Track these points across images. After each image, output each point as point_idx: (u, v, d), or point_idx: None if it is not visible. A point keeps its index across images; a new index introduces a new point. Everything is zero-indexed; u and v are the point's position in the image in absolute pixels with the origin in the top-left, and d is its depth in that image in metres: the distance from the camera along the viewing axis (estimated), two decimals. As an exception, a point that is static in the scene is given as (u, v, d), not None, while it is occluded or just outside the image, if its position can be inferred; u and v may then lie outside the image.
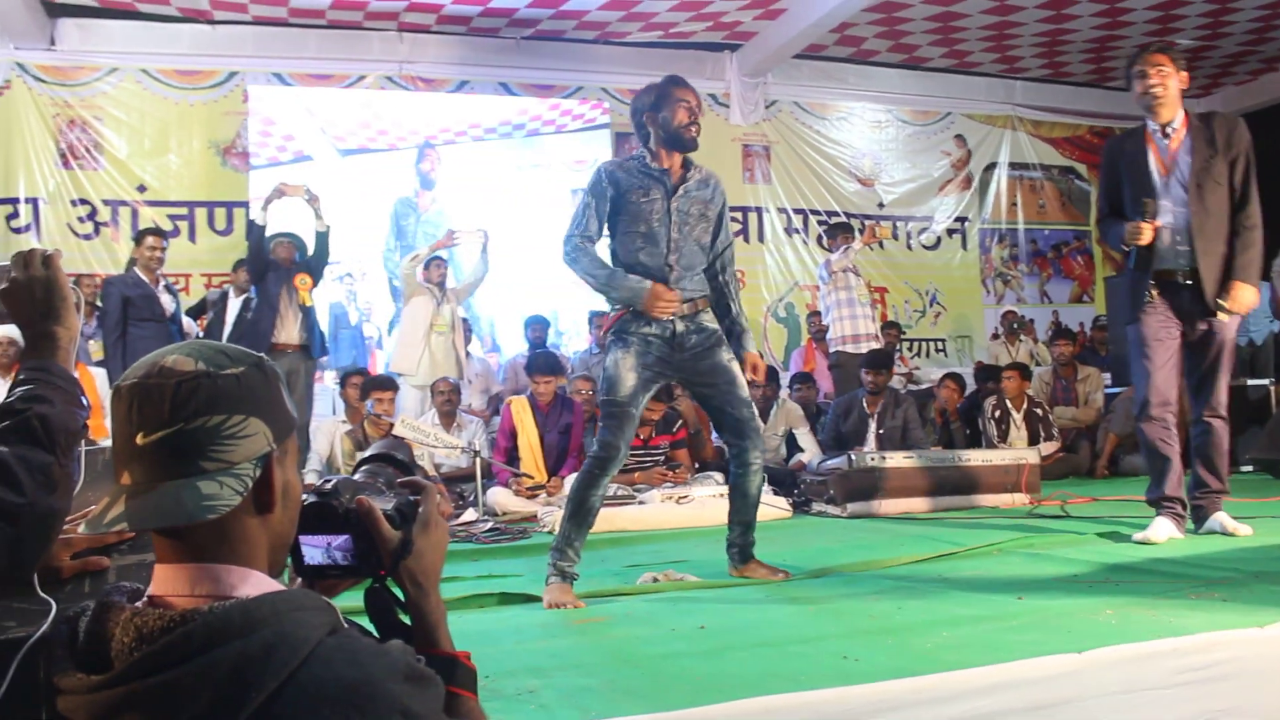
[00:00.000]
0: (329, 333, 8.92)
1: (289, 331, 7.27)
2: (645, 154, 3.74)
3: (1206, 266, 4.24)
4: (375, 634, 1.29)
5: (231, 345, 1.21)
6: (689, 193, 3.73)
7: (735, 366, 3.74)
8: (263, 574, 1.15)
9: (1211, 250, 4.25)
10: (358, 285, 9.78)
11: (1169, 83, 4.30)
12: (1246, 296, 4.18)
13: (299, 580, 1.33)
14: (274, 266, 7.31)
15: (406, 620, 1.33)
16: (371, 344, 9.76)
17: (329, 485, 1.33)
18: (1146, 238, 4.24)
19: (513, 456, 6.93)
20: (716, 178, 3.89)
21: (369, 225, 9.78)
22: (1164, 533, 4.21)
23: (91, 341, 7.73)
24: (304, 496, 1.29)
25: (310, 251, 7.50)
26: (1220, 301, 4.20)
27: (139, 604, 1.10)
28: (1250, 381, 8.79)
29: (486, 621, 3.26)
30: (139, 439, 1.11)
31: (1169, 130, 4.34)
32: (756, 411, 3.81)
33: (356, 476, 1.40)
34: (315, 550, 1.30)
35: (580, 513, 3.61)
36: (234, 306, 7.74)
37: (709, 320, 3.76)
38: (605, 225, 3.73)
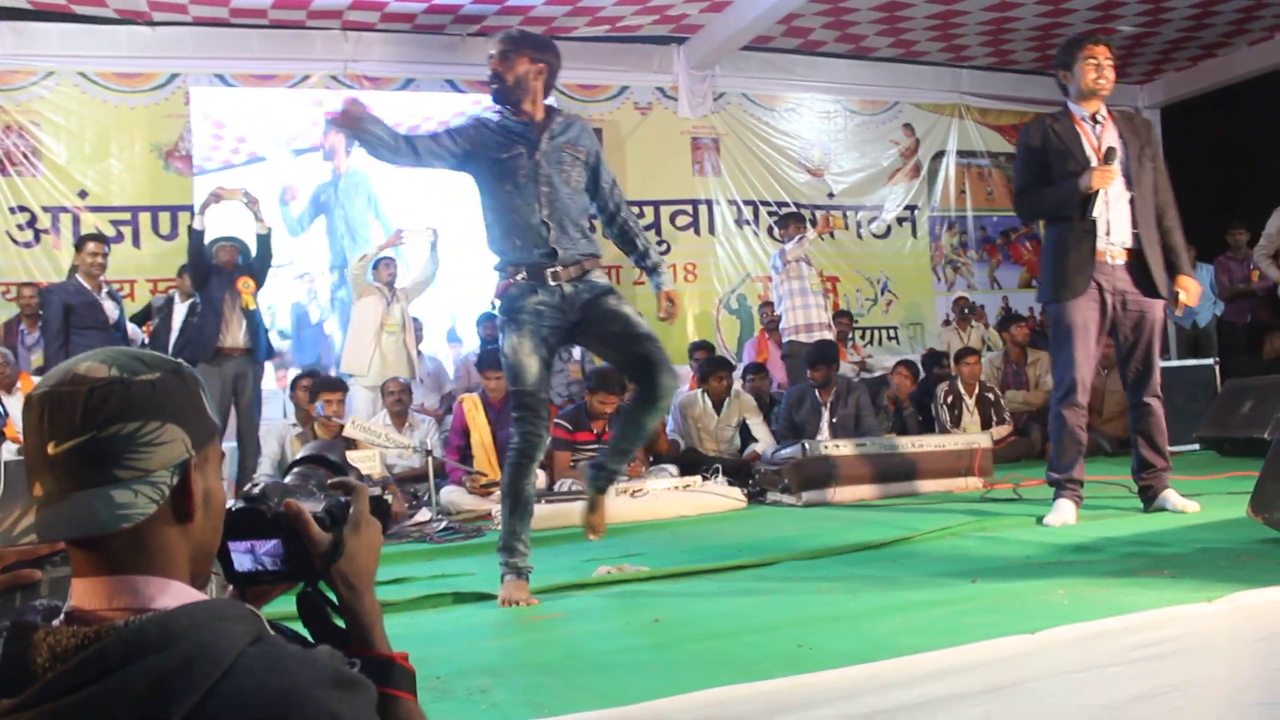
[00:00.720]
0: (292, 332, 8.83)
1: (234, 335, 7.17)
2: (505, 110, 3.62)
3: (1150, 250, 4.36)
4: (309, 639, 1.26)
5: (148, 351, 1.18)
6: (555, 138, 3.57)
7: (626, 308, 3.59)
8: (183, 584, 1.11)
9: (1150, 237, 4.38)
10: (318, 284, 9.65)
11: (1112, 74, 4.43)
12: (1196, 287, 4.46)
13: (230, 588, 1.30)
14: (216, 271, 7.21)
15: (341, 623, 1.30)
16: (334, 342, 9.64)
17: (256, 489, 1.30)
18: (1109, 177, 4.25)
19: (466, 454, 6.88)
20: (582, 120, 3.78)
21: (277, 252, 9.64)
22: (1070, 515, 4.34)
23: (34, 352, 7.59)
24: (231, 502, 1.25)
25: (253, 254, 7.40)
26: (1177, 292, 4.39)
27: (55, 622, 1.06)
28: (1195, 362, 8.91)
29: (439, 621, 3.23)
30: (50, 448, 1.08)
31: (1099, 118, 4.45)
32: (660, 346, 3.59)
33: (287, 479, 1.37)
34: (244, 556, 1.27)
35: (519, 506, 3.50)
36: (180, 311, 7.62)
37: (598, 277, 3.61)
38: (458, 164, 3.57)
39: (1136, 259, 4.36)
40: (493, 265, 3.66)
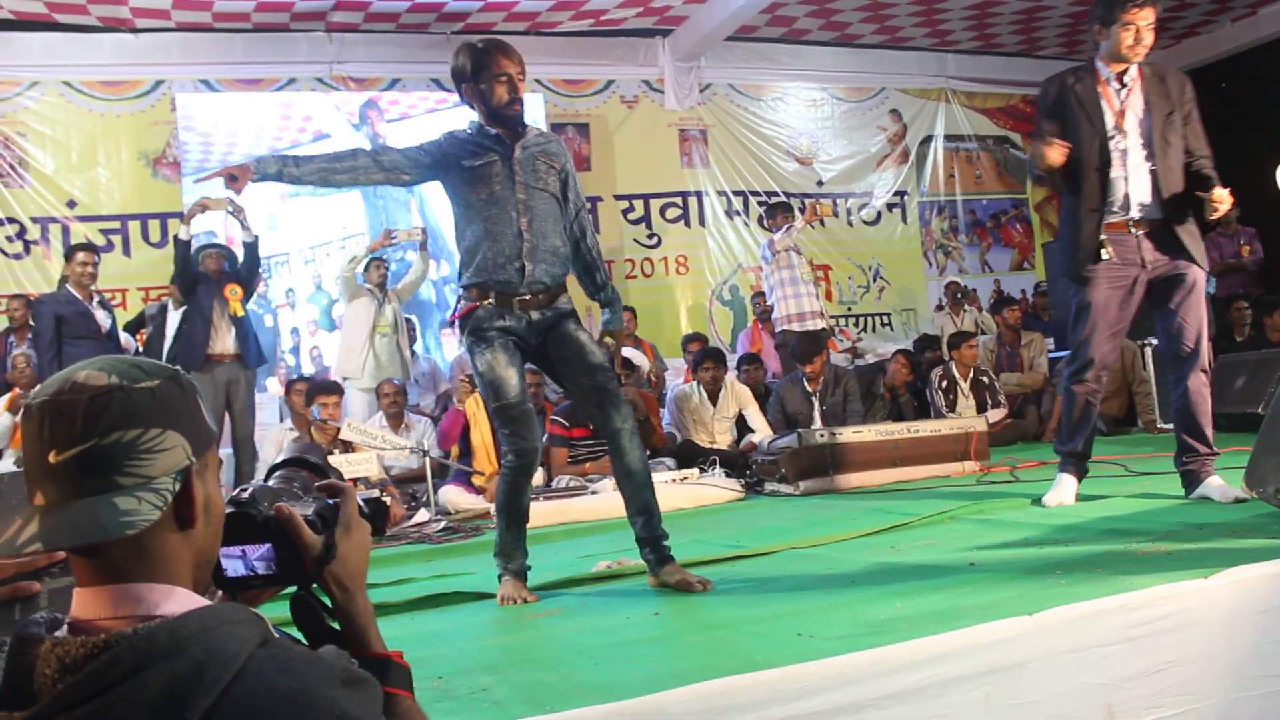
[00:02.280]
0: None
1: (224, 342, 7.15)
2: (478, 123, 3.50)
3: (1178, 220, 4.05)
4: (304, 642, 1.27)
5: (145, 359, 1.18)
6: (528, 147, 3.46)
7: (583, 336, 3.47)
8: (188, 591, 1.12)
9: (1176, 203, 4.04)
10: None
11: (1151, 39, 4.03)
12: (1226, 196, 3.97)
13: (219, 593, 1.30)
14: (204, 278, 7.20)
15: (335, 625, 1.31)
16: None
17: (245, 494, 1.30)
18: (1058, 156, 3.99)
19: (466, 451, 6.89)
20: (555, 136, 3.71)
21: (323, 221, 9.67)
22: (1068, 494, 4.22)
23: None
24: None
25: (240, 261, 7.39)
26: (1211, 200, 3.95)
27: (59, 633, 1.06)
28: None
29: (441, 621, 3.24)
30: (51, 457, 1.08)
31: (1126, 79, 4.10)
32: (614, 377, 3.50)
33: (271, 483, 1.37)
34: (235, 561, 1.27)
35: (515, 519, 3.43)
36: (174, 319, 7.60)
37: (563, 302, 3.50)
38: (422, 176, 3.48)
39: (1164, 229, 4.05)
40: (459, 281, 3.54)
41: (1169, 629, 2.37)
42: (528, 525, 3.51)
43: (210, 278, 7.21)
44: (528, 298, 3.41)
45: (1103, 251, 4.04)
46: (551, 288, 3.46)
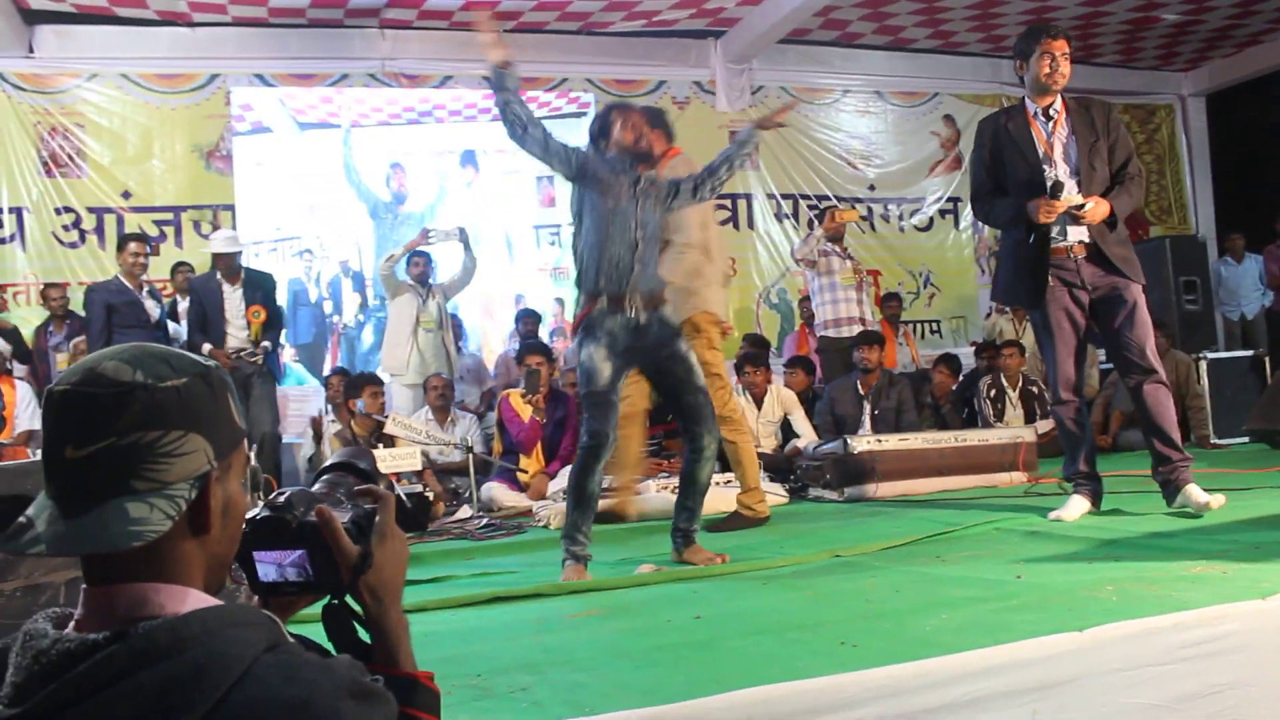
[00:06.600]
0: (288, 309, 8.92)
1: (238, 338, 7.17)
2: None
3: (1106, 242, 4.26)
4: (332, 650, 1.23)
5: (175, 352, 1.11)
6: (643, 180, 4.03)
7: (693, 357, 4.05)
8: (200, 593, 1.07)
9: (1104, 232, 4.26)
10: (316, 262, 9.72)
11: (1068, 68, 4.31)
12: (1102, 210, 4.19)
13: (255, 598, 1.26)
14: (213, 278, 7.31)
15: (366, 638, 1.27)
16: (334, 324, 9.72)
17: (282, 498, 1.25)
18: (1055, 216, 4.21)
19: (509, 447, 6.89)
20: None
21: (326, 201, 9.83)
22: (1077, 510, 4.32)
23: (60, 352, 7.70)
24: (256, 510, 1.22)
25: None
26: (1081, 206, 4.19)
27: (67, 629, 1.03)
28: (1241, 353, 8.79)
29: (480, 619, 3.23)
30: (68, 451, 1.03)
31: (1051, 112, 4.36)
32: (709, 401, 4.07)
33: (315, 487, 1.34)
34: (269, 566, 1.23)
35: (582, 501, 3.88)
36: (183, 309, 7.71)
37: (670, 314, 4.10)
38: (563, 173, 4.05)
39: (1096, 252, 4.27)
40: (576, 297, 4.15)
41: (1224, 650, 2.30)
42: (594, 513, 3.97)
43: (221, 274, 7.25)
44: (639, 297, 3.94)
45: (1049, 278, 4.28)
46: (656, 292, 4.01)
